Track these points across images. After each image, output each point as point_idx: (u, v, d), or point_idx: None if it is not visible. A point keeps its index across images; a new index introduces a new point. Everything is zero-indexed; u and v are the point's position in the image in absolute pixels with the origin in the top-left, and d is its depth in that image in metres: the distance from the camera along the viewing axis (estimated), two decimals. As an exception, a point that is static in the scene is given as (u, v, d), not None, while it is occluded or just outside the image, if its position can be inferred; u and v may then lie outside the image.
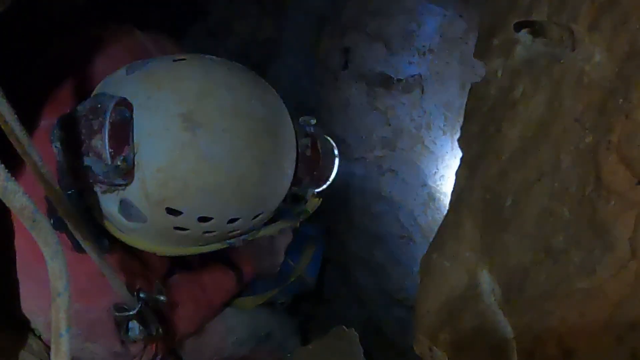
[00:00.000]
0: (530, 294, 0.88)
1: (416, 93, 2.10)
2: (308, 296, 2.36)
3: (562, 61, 0.90)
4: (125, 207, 1.01)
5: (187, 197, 0.98)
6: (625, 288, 0.75)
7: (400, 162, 2.29)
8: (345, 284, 2.82)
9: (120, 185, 0.97)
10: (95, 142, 0.94)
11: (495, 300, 0.97)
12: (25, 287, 1.24)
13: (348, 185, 2.57)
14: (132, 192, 0.98)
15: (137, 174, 0.96)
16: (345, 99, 2.31)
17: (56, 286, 0.73)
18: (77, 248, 1.11)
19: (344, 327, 2.00)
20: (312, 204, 1.26)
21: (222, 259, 1.71)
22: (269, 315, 2.02)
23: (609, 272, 0.77)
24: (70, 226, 0.93)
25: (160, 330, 1.31)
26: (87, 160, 0.96)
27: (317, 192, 1.25)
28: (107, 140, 0.93)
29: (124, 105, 0.96)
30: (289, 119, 1.12)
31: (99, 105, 0.96)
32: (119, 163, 0.94)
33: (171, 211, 1.00)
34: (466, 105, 1.23)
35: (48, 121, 1.17)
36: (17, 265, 1.22)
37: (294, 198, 1.21)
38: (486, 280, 1.00)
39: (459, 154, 1.21)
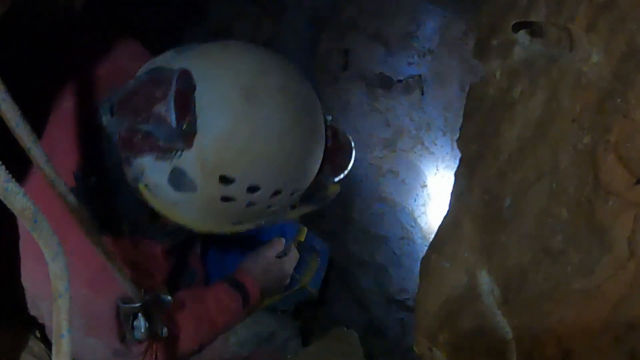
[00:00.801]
0: (529, 295, 0.88)
1: (416, 94, 2.10)
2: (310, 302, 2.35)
3: (559, 61, 0.91)
4: (176, 176, 1.06)
5: (242, 164, 1.05)
6: (624, 288, 0.75)
7: (400, 163, 2.29)
8: (345, 285, 2.82)
9: (179, 150, 1.03)
10: (159, 108, 0.99)
11: (494, 300, 0.97)
12: (27, 267, 1.25)
13: (348, 186, 2.57)
14: (187, 160, 1.04)
15: (196, 141, 1.02)
16: (345, 100, 2.31)
17: (57, 287, 0.73)
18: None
19: (344, 328, 2.00)
20: (332, 190, 1.32)
21: (228, 280, 1.70)
22: (271, 317, 2.01)
23: (608, 272, 0.77)
24: (75, 217, 0.92)
25: (166, 330, 1.30)
26: (146, 127, 1.02)
27: (336, 181, 1.32)
28: (172, 105, 0.99)
29: (187, 75, 1.03)
30: (320, 107, 1.20)
31: (162, 76, 1.02)
32: (184, 127, 1.00)
33: (224, 179, 1.05)
34: (465, 105, 1.23)
35: (52, 130, 1.21)
36: (21, 245, 1.23)
37: (316, 185, 1.27)
38: (485, 280, 1.00)
39: (459, 154, 1.22)
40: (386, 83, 2.18)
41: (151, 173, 1.09)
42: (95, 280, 1.20)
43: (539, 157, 0.91)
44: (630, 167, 0.75)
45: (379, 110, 2.25)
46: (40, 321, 1.38)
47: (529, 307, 0.88)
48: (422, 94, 2.09)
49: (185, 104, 1.01)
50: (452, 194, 1.20)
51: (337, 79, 2.30)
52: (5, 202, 0.65)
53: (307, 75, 1.23)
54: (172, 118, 0.99)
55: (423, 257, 1.21)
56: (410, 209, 2.31)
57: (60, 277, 0.73)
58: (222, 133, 1.03)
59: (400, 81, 2.15)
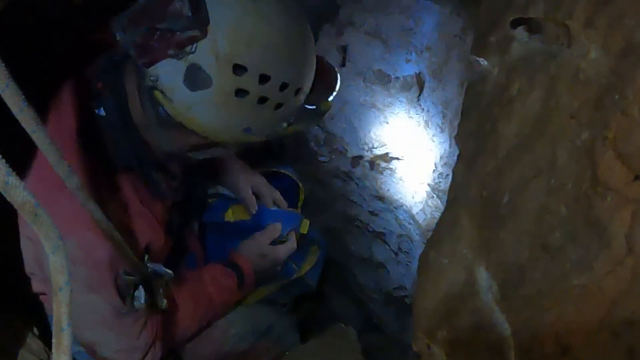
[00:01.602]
0: (527, 291, 0.88)
1: (414, 90, 2.10)
2: (308, 295, 2.36)
3: (558, 57, 0.91)
4: (191, 73, 1.14)
5: (253, 51, 1.14)
6: (622, 284, 0.75)
7: (398, 160, 2.29)
8: (344, 282, 2.83)
9: (195, 40, 1.11)
10: (174, 5, 1.10)
11: (492, 297, 0.97)
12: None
13: (346, 183, 2.57)
14: (202, 53, 1.13)
15: (210, 33, 1.12)
16: (343, 97, 2.30)
17: (57, 280, 0.73)
18: (155, 195, 1.43)
19: (342, 324, 2.00)
20: (326, 106, 1.39)
21: (223, 261, 1.72)
22: (269, 310, 2.03)
23: (606, 269, 0.77)
24: (78, 198, 0.93)
25: (165, 303, 1.33)
26: (163, 25, 1.11)
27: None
28: (187, 0, 1.09)
29: None
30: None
31: None
32: (199, 15, 1.10)
33: (237, 68, 1.14)
34: (463, 102, 1.23)
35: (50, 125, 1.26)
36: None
37: (311, 102, 1.36)
38: (483, 277, 1.00)
39: (457, 151, 1.22)
40: (384, 80, 2.18)
41: (166, 77, 1.16)
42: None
43: (537, 153, 0.91)
44: (628, 163, 0.75)
45: (377, 107, 2.25)
46: (34, 287, 1.38)
47: (527, 303, 0.88)
48: (420, 91, 2.09)
49: (197, 2, 1.11)
50: (450, 190, 1.20)
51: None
52: (5, 196, 0.65)
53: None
54: (187, 10, 1.09)
55: (421, 254, 1.21)
56: (408, 206, 2.31)
57: (61, 270, 0.73)
58: (234, 24, 1.13)
59: (398, 78, 2.14)
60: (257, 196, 1.98)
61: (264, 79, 1.17)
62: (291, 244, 1.88)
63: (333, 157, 2.55)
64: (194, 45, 1.12)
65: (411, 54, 2.09)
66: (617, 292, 0.75)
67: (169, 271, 1.36)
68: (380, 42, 2.16)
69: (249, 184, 1.97)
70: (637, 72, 0.74)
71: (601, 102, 0.80)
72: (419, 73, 2.09)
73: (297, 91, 1.25)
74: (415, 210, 2.27)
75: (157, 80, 1.16)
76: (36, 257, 1.31)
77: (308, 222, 1.99)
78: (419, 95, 2.10)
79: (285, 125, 1.31)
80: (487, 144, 1.06)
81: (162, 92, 1.18)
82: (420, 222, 2.26)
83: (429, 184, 2.16)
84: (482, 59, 1.14)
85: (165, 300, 1.35)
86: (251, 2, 1.15)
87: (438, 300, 1.11)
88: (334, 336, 1.95)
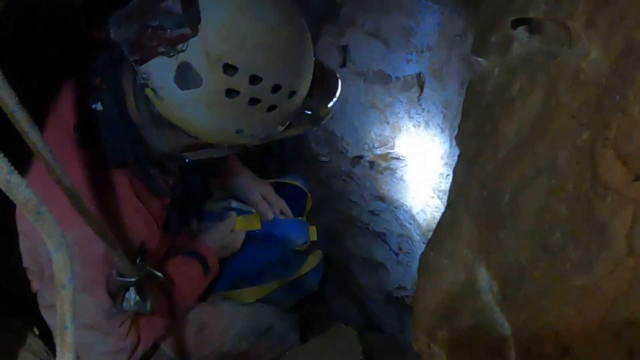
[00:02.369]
0: (528, 291, 0.88)
1: (414, 91, 2.10)
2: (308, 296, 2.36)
3: (558, 58, 0.91)
4: (182, 71, 1.13)
5: (244, 51, 1.13)
6: (622, 284, 0.75)
7: (398, 160, 2.29)
8: (344, 282, 2.83)
9: (185, 39, 1.11)
10: (166, 3, 1.10)
11: (492, 297, 0.97)
12: None
13: (346, 183, 2.57)
14: (193, 52, 1.12)
15: (201, 31, 1.11)
16: (344, 97, 2.31)
17: (60, 278, 0.73)
18: (153, 192, 1.43)
19: (343, 324, 2.01)
20: (325, 112, 1.38)
21: (183, 250, 1.74)
22: (269, 310, 2.03)
23: (606, 269, 0.76)
24: (69, 199, 0.93)
25: (151, 306, 1.33)
26: (155, 22, 1.10)
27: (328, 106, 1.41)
28: None
29: None
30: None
31: None
32: (190, 12, 1.09)
33: (228, 67, 1.13)
34: (463, 102, 1.23)
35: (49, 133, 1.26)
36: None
37: (310, 107, 1.35)
38: (484, 277, 1.00)
39: (458, 151, 1.22)
40: (384, 80, 2.18)
41: (158, 75, 1.15)
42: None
43: (538, 153, 0.91)
44: (629, 164, 0.74)
45: (378, 107, 2.25)
46: (30, 278, 1.38)
47: (527, 303, 0.88)
48: (421, 91, 2.09)
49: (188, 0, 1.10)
50: (450, 190, 1.20)
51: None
52: (8, 194, 0.65)
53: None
54: (178, 7, 1.09)
55: (422, 254, 1.21)
56: (408, 206, 2.31)
57: (64, 268, 0.73)
58: (225, 22, 1.12)
59: (398, 78, 2.14)
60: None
61: (255, 79, 1.16)
62: (242, 233, 1.89)
63: (333, 157, 2.55)
64: (185, 43, 1.12)
65: (412, 54, 2.09)
66: (617, 293, 0.75)
67: (159, 274, 1.36)
68: (380, 42, 2.16)
69: (259, 190, 1.98)
70: (638, 73, 0.74)
71: (602, 102, 0.80)
72: (420, 73, 2.09)
73: (291, 94, 1.24)
74: (415, 210, 2.27)
75: (148, 78, 1.16)
76: (30, 251, 1.32)
77: (315, 229, 2.02)
78: (420, 95, 2.10)
79: (281, 128, 1.30)
80: (487, 144, 1.06)
81: (153, 90, 1.17)
82: (421, 222, 2.26)
83: (429, 184, 2.16)
84: (482, 59, 1.14)
85: (152, 303, 1.34)
86: (245, 1, 1.14)
87: (438, 300, 1.11)
88: (334, 336, 1.95)
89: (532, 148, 0.92)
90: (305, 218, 2.10)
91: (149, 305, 1.33)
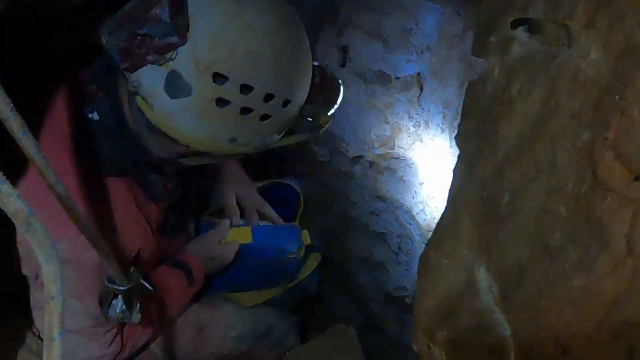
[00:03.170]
0: (527, 291, 0.88)
1: (414, 91, 2.10)
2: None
3: (558, 58, 0.91)
4: (171, 79, 1.12)
5: (234, 59, 1.11)
6: (622, 285, 0.75)
7: (398, 160, 2.29)
8: (344, 282, 2.82)
9: (174, 47, 1.09)
10: (154, 11, 1.08)
11: (492, 297, 0.97)
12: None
13: (346, 183, 2.57)
14: (182, 60, 1.10)
15: (190, 41, 1.10)
16: (344, 98, 2.30)
17: (50, 290, 0.72)
18: (151, 197, 1.42)
19: (342, 325, 2.00)
20: (325, 120, 1.36)
21: (168, 261, 1.69)
22: (269, 311, 2.02)
23: (606, 269, 0.77)
24: (63, 207, 0.92)
25: (139, 317, 1.31)
26: (143, 30, 1.09)
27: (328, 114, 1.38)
28: (167, 6, 1.08)
29: None
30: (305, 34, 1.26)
31: None
32: (177, 21, 1.08)
33: (217, 76, 1.11)
34: (463, 102, 1.23)
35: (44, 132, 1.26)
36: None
37: (310, 115, 1.33)
38: (484, 277, 1.00)
39: (458, 151, 1.22)
40: (384, 80, 2.18)
41: (148, 83, 1.14)
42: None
43: (537, 153, 0.91)
44: (628, 164, 0.75)
45: (377, 107, 2.25)
46: (29, 283, 1.37)
47: (527, 304, 0.88)
48: (421, 91, 2.09)
49: (179, 5, 1.09)
50: (450, 190, 1.20)
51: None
52: None
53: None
54: (166, 15, 1.07)
55: (421, 254, 1.21)
56: (408, 206, 2.30)
57: (54, 280, 0.72)
58: (214, 30, 1.10)
59: (398, 78, 2.14)
60: (241, 208, 1.91)
61: (246, 88, 1.13)
62: (234, 245, 1.79)
63: (333, 157, 2.55)
64: (174, 51, 1.10)
65: (411, 54, 2.09)
66: (617, 293, 0.75)
67: (149, 287, 1.34)
68: (380, 42, 2.16)
69: (234, 193, 1.90)
70: (638, 73, 0.74)
71: (601, 102, 0.80)
72: (419, 73, 2.09)
73: (286, 103, 1.21)
74: (415, 211, 2.27)
75: (139, 86, 1.14)
76: (24, 258, 1.31)
77: (307, 232, 1.96)
78: (419, 95, 2.10)
79: (277, 137, 1.28)
80: (487, 144, 1.06)
81: (143, 98, 1.16)
82: (421, 222, 2.26)
83: (429, 184, 2.16)
84: (482, 59, 1.14)
85: (139, 315, 1.33)
86: (236, 7, 1.12)
87: (438, 300, 1.11)
88: (334, 336, 1.95)
89: (532, 148, 0.92)
90: (297, 222, 2.08)
91: (134, 316, 1.31)
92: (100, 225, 1.27)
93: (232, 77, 1.12)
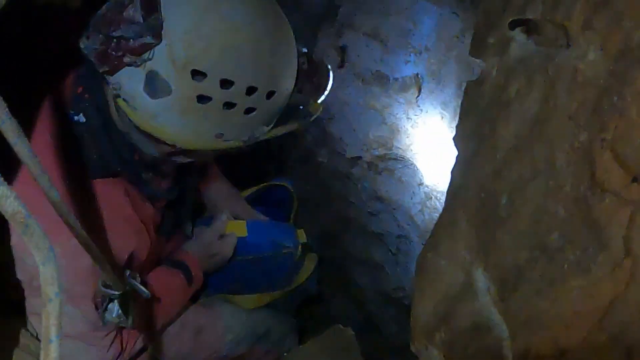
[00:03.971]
0: (525, 293, 0.88)
1: (412, 92, 2.10)
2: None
3: (556, 59, 0.91)
4: (150, 80, 1.11)
5: (211, 55, 1.10)
6: (620, 286, 0.75)
7: (397, 161, 2.29)
8: (342, 283, 2.82)
9: (149, 47, 1.08)
10: (128, 12, 1.07)
11: (490, 298, 0.97)
12: None
13: (345, 184, 2.57)
14: (159, 60, 1.09)
15: (165, 40, 1.08)
16: (342, 98, 2.31)
17: (47, 292, 0.72)
18: (147, 196, 1.41)
19: (340, 326, 2.00)
20: (316, 107, 1.34)
21: (166, 261, 1.69)
22: (267, 314, 2.01)
23: (604, 270, 0.77)
24: (57, 212, 0.92)
25: (134, 322, 1.31)
26: (117, 32, 1.08)
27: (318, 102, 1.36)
28: (139, 6, 1.07)
29: None
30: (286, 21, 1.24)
31: None
32: (150, 21, 1.07)
33: (196, 73, 1.10)
34: (461, 103, 1.23)
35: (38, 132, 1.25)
36: None
37: (299, 104, 1.32)
38: (481, 278, 1.00)
39: (456, 152, 1.21)
40: (383, 81, 2.18)
41: (128, 85, 1.13)
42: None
43: (535, 154, 0.91)
44: (626, 165, 0.74)
45: (376, 108, 2.25)
46: (24, 287, 1.36)
47: (525, 305, 0.88)
48: (419, 92, 2.09)
49: (151, 4, 1.08)
50: (448, 191, 1.20)
51: (333, 77, 2.30)
52: None
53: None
54: (139, 16, 1.07)
55: (419, 255, 1.20)
56: (406, 207, 2.30)
57: (51, 282, 0.72)
58: (189, 27, 1.09)
59: (396, 79, 2.14)
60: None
61: (226, 83, 1.12)
62: (232, 239, 1.80)
63: (332, 158, 2.55)
64: (151, 52, 1.09)
65: (410, 55, 2.09)
66: (614, 294, 0.75)
67: (146, 291, 1.33)
68: (379, 43, 2.16)
69: (229, 211, 1.89)
70: (636, 74, 0.74)
71: (599, 103, 0.80)
72: (418, 74, 2.09)
73: (270, 94, 1.19)
74: (413, 211, 2.27)
75: (120, 89, 1.14)
76: (19, 262, 1.30)
77: (303, 231, 1.96)
78: (418, 96, 2.10)
79: (265, 128, 1.27)
80: (485, 145, 1.06)
81: (125, 100, 1.15)
82: (419, 223, 2.26)
83: (427, 185, 2.16)
84: (480, 60, 1.14)
85: (133, 319, 1.32)
86: (210, 1, 1.11)
87: (436, 301, 1.11)
88: (333, 337, 1.94)
89: (530, 149, 0.92)
90: (291, 221, 2.08)
91: (130, 320, 1.31)
92: (92, 228, 1.26)
93: (211, 73, 1.10)
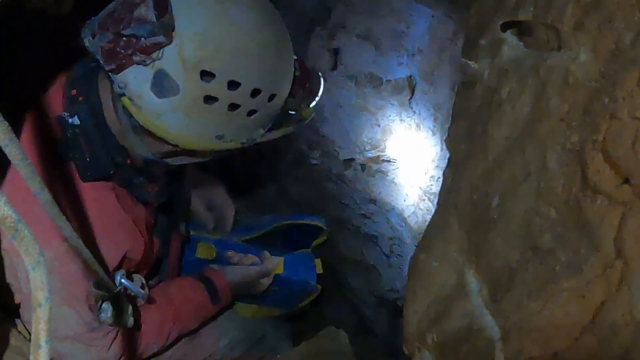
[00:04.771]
0: (517, 294, 0.88)
1: (405, 94, 2.10)
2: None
3: (547, 61, 0.91)
4: (158, 79, 1.12)
5: (220, 57, 1.12)
6: (611, 287, 0.75)
7: (390, 163, 2.29)
8: (335, 284, 2.82)
9: (160, 47, 1.09)
10: (139, 10, 1.08)
11: (482, 300, 0.97)
12: None
13: (338, 186, 2.56)
14: (169, 59, 1.10)
15: (175, 40, 1.10)
16: (335, 100, 2.30)
17: (37, 297, 0.71)
18: (138, 199, 1.43)
19: (333, 328, 2.00)
20: (308, 112, 1.37)
21: (196, 274, 1.72)
22: (262, 319, 2.02)
23: (595, 272, 0.77)
24: (49, 214, 0.92)
25: (132, 321, 1.31)
26: (129, 31, 1.08)
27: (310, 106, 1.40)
28: (152, 5, 1.08)
29: None
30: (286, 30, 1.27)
31: None
32: (164, 20, 1.08)
33: (205, 74, 1.11)
34: (454, 105, 1.23)
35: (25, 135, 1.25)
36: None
37: (292, 108, 1.35)
38: (473, 280, 1.00)
39: (448, 154, 1.22)
40: (376, 83, 2.18)
41: (134, 83, 1.13)
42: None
43: (527, 156, 0.91)
44: (617, 167, 0.75)
45: (369, 110, 2.25)
46: (14, 292, 1.36)
47: (516, 306, 0.88)
48: (412, 94, 2.10)
49: (163, 5, 1.09)
50: (440, 193, 1.20)
51: (326, 79, 2.30)
52: None
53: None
54: (152, 15, 1.07)
55: (411, 257, 1.21)
56: (400, 208, 2.31)
57: (41, 286, 0.71)
58: (200, 29, 1.11)
59: (389, 81, 2.15)
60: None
61: (233, 85, 1.14)
62: (270, 279, 1.88)
63: (325, 159, 2.55)
64: (161, 51, 1.10)
65: (403, 57, 2.09)
66: (606, 295, 0.75)
67: (142, 291, 1.33)
68: (371, 45, 2.16)
69: (202, 201, 1.96)
70: (627, 75, 0.74)
71: (591, 105, 0.80)
72: (411, 76, 2.10)
73: (271, 97, 1.22)
74: (407, 213, 2.27)
75: (125, 87, 1.14)
76: (9, 267, 1.30)
77: (319, 262, 2.03)
78: (411, 98, 2.11)
79: (262, 131, 1.29)
80: (477, 146, 1.06)
81: (130, 99, 1.15)
82: (412, 224, 2.26)
83: (420, 187, 2.16)
84: (472, 62, 1.14)
85: (131, 319, 1.32)
86: (220, 6, 1.12)
87: (428, 303, 1.11)
88: (326, 339, 1.94)
89: (522, 151, 0.92)
90: (309, 250, 2.10)
91: (127, 320, 1.31)
92: (83, 231, 1.26)
93: (220, 74, 1.12)
